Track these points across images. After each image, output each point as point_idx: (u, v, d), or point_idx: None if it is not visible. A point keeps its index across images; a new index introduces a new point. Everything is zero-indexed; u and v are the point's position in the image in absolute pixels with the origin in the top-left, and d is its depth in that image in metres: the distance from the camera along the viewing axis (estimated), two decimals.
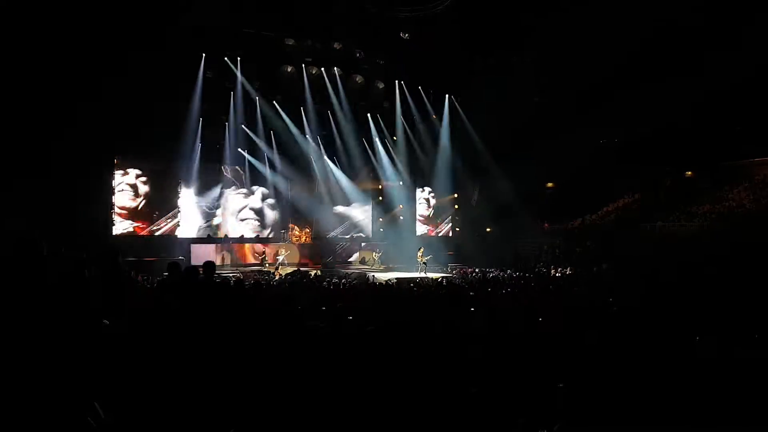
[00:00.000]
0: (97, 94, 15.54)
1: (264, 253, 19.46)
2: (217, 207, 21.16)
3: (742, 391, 3.15)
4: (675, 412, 2.98)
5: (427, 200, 25.47)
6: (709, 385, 3.28)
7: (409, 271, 18.96)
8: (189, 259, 17.43)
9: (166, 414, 2.88)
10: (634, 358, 3.86)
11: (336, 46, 19.60)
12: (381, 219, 24.36)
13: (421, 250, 18.88)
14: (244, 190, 21.76)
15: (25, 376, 2.72)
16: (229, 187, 21.43)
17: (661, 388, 3.23)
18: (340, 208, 23.81)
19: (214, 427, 2.85)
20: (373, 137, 22.93)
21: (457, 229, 25.62)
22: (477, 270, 17.43)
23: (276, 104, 20.29)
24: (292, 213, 22.35)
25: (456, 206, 25.78)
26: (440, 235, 25.35)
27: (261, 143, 20.75)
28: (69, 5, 14.10)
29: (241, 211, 21.82)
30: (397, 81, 21.69)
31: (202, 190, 20.70)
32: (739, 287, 8.50)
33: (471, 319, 5.78)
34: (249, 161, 21.26)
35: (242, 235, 21.13)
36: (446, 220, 25.67)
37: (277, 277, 14.64)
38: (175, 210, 19.53)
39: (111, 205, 18.04)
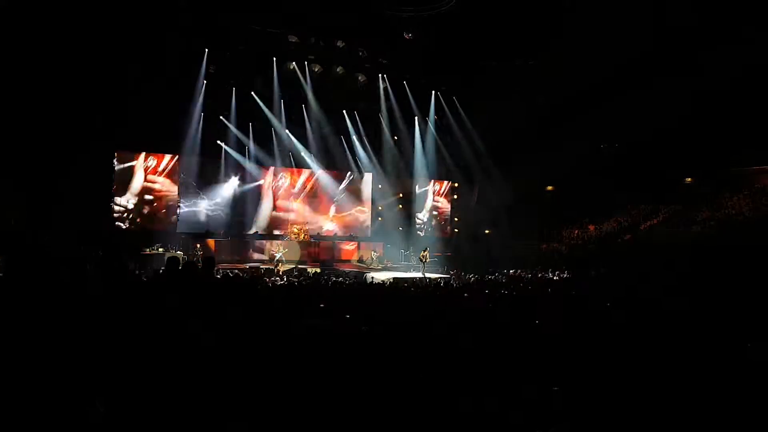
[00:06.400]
0: (98, 87, 15.54)
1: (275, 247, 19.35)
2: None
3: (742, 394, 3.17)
4: (672, 415, 3.00)
5: (427, 199, 25.43)
6: (706, 389, 3.30)
7: (407, 271, 18.95)
8: (188, 253, 17.42)
9: (163, 409, 2.90)
10: (631, 361, 3.88)
11: (339, 44, 19.58)
12: (380, 218, 24.34)
13: (426, 250, 18.69)
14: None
15: (27, 371, 2.73)
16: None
17: (656, 391, 3.25)
18: (338, 205, 23.80)
19: (211, 423, 2.86)
20: (374, 136, 22.93)
21: (456, 230, 25.60)
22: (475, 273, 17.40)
23: (276, 101, 20.31)
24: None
25: (455, 207, 25.76)
26: (438, 235, 25.30)
27: (262, 139, 20.76)
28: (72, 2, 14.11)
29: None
30: (399, 80, 21.67)
31: (203, 185, 20.66)
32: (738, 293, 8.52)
33: (467, 320, 5.79)
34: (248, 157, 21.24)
35: (242, 231, 21.12)
36: (445, 221, 25.65)
37: (276, 275, 14.67)
38: (176, 204, 19.51)
39: (111, 199, 18.01)
